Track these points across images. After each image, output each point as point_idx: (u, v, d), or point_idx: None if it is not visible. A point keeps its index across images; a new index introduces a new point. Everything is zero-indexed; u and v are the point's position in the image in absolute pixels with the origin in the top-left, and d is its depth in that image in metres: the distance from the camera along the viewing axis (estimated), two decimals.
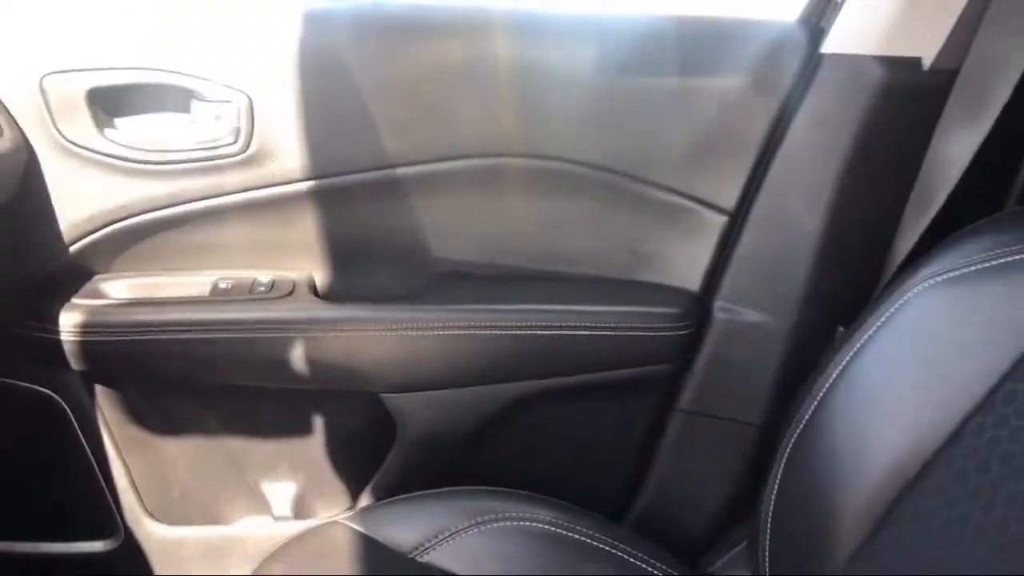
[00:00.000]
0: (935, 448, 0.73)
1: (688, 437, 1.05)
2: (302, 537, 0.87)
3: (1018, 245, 0.74)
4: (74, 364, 0.96)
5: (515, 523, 0.90)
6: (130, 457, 1.05)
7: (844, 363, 0.83)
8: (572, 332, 0.98)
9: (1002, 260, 0.75)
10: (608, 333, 0.99)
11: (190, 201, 0.94)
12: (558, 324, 0.98)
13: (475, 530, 0.88)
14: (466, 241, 1.02)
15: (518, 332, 0.98)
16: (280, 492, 1.10)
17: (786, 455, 0.87)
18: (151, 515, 1.07)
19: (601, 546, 0.90)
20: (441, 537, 0.87)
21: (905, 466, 0.75)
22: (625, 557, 0.90)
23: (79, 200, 0.92)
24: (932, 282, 0.78)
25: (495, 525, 0.89)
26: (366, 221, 0.99)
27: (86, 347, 0.95)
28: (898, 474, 0.75)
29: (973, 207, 0.83)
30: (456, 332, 0.98)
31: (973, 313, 0.75)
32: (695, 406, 1.04)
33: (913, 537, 0.73)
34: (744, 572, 0.97)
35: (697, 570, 1.00)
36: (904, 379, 0.78)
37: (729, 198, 0.97)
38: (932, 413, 0.74)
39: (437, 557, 0.85)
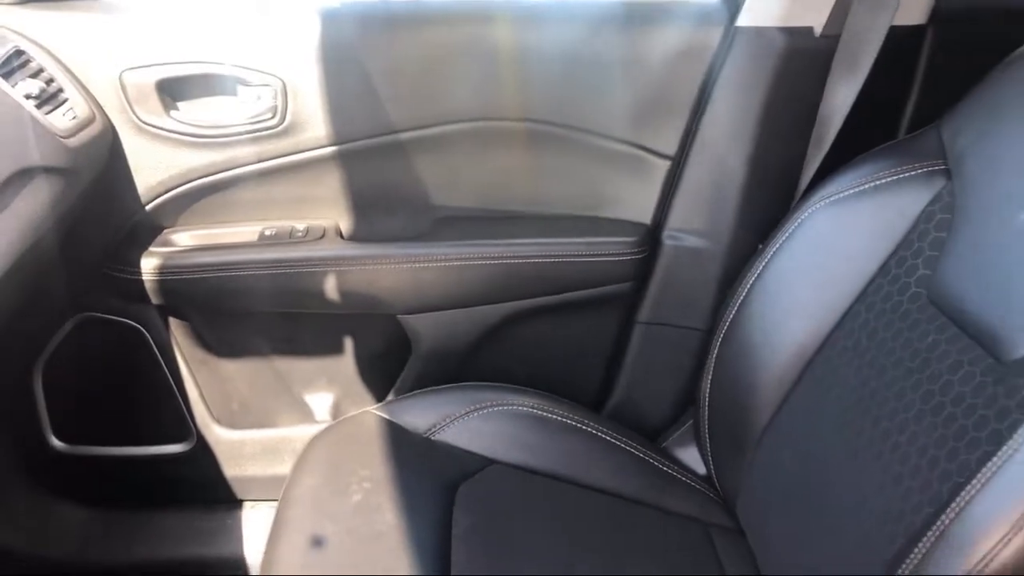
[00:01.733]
0: (826, 332, 0.96)
1: (648, 343, 1.28)
2: (340, 424, 1.11)
3: (886, 172, 0.96)
4: (153, 300, 1.20)
5: (506, 407, 1.13)
6: (199, 375, 1.29)
7: (757, 272, 1.05)
8: (549, 260, 1.21)
9: (873, 184, 0.97)
10: (578, 260, 1.21)
11: (239, 166, 1.17)
12: (538, 254, 1.21)
13: (475, 414, 1.11)
14: (461, 190, 1.24)
15: (506, 262, 1.21)
16: (319, 400, 1.33)
17: (716, 349, 1.10)
18: (217, 421, 1.31)
19: (576, 424, 1.14)
20: (448, 420, 1.10)
21: (805, 348, 0.98)
22: (594, 432, 1.13)
23: (152, 169, 1.15)
24: (821, 204, 1.00)
25: (490, 410, 1.12)
26: (380, 177, 1.21)
27: (162, 286, 1.19)
28: (800, 354, 0.98)
29: (868, 141, 1.04)
30: (456, 264, 1.21)
31: (850, 227, 0.98)
32: (652, 317, 1.27)
33: (809, 402, 0.96)
34: (691, 444, 1.21)
35: (655, 444, 1.24)
36: (801, 281, 1.01)
37: (670, 146, 1.18)
38: (823, 306, 0.97)
39: (445, 435, 1.09)
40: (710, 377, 1.11)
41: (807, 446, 0.96)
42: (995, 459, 0.66)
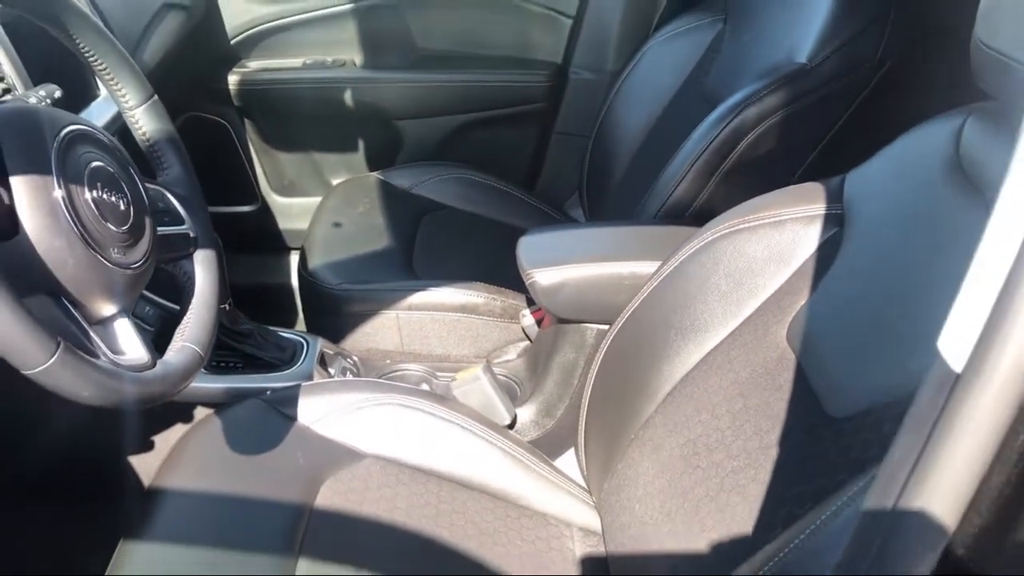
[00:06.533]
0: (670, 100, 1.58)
1: (559, 149, 1.91)
2: (353, 178, 1.77)
3: None
4: (234, 102, 1.84)
5: (461, 176, 1.77)
6: (263, 159, 1.93)
7: (615, 92, 1.66)
8: (493, 84, 1.83)
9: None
10: (511, 84, 1.83)
11: (291, 15, 1.79)
12: (485, 80, 1.83)
13: (437, 178, 1.76)
14: (435, 37, 1.85)
15: (463, 85, 1.83)
16: (341, 180, 1.97)
17: (591, 146, 1.71)
18: (274, 191, 1.97)
19: (503, 189, 1.78)
20: (422, 182, 1.74)
21: (637, 138, 1.59)
22: (514, 194, 1.78)
23: (235, 15, 1.78)
24: (653, 43, 1.61)
25: (449, 177, 1.77)
26: (382, 26, 1.83)
27: (239, 94, 1.82)
28: (634, 145, 1.60)
29: None
30: (431, 85, 1.83)
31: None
32: (562, 128, 1.89)
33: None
34: (579, 207, 1.83)
35: (561, 209, 1.87)
36: (640, 97, 1.62)
37: (571, 8, 1.79)
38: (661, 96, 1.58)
39: (419, 190, 1.73)
40: (587, 162, 1.73)
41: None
42: None
